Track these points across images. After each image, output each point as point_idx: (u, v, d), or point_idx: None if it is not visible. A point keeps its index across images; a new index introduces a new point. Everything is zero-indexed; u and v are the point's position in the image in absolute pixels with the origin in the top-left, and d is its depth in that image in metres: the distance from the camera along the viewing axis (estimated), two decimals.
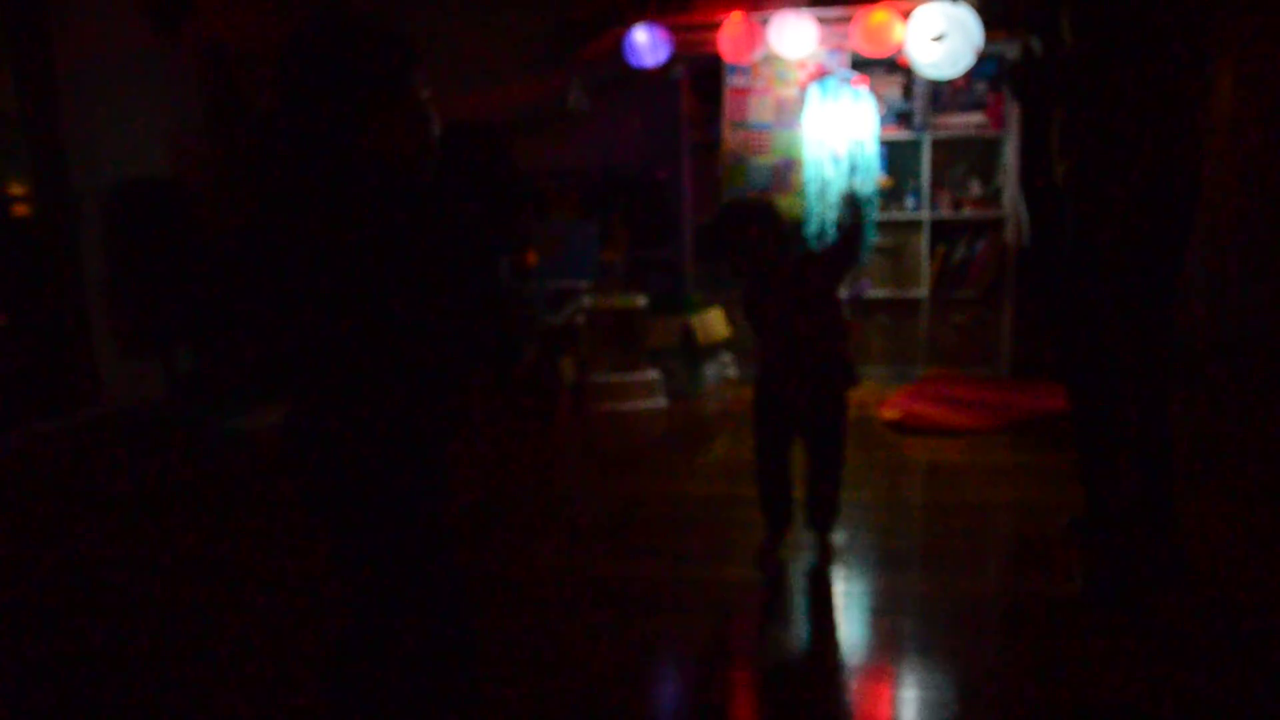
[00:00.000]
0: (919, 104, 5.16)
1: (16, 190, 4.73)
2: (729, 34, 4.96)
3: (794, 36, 4.89)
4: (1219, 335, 5.15)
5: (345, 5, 1.44)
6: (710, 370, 5.23)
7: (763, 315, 2.67)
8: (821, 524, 2.79)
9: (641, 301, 5.05)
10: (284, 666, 2.28)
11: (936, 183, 5.24)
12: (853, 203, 2.61)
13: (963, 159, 5.30)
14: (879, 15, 4.77)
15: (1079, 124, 2.52)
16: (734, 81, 5.22)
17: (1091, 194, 2.51)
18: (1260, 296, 5.11)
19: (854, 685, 2.14)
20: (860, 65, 5.05)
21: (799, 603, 2.63)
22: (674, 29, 5.10)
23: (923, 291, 5.25)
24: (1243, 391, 4.71)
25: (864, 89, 4.98)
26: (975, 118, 5.14)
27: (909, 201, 5.26)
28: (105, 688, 2.21)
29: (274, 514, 3.45)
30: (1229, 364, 5.00)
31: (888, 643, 2.35)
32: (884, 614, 2.51)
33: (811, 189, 5.06)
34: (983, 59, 4.79)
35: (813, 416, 2.66)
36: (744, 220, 2.63)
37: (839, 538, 2.96)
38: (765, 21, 4.96)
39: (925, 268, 5.24)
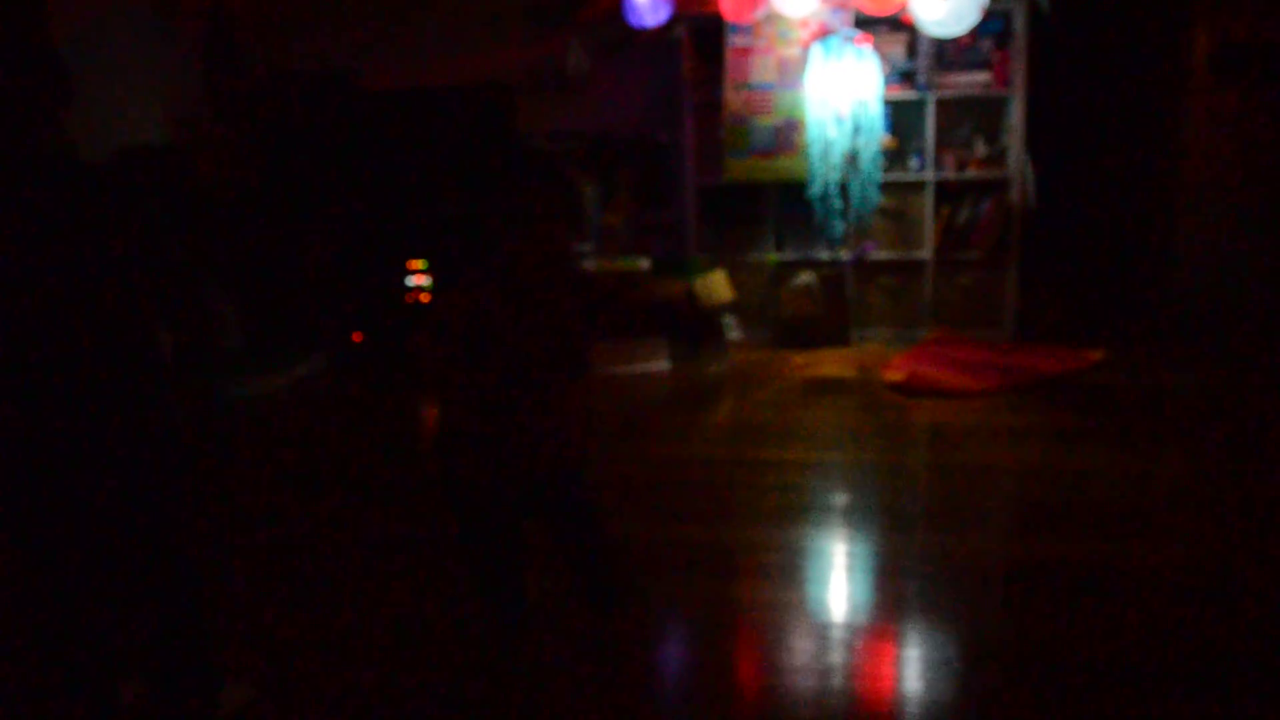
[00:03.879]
0: (923, 63, 5.09)
1: None
2: None
3: None
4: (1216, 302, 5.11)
5: None
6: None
7: (493, 332, 1.75)
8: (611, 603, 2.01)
9: (644, 264, 5.03)
10: (279, 632, 2.29)
11: (941, 143, 5.18)
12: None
13: (967, 119, 5.24)
14: None
15: None
16: (736, 41, 5.15)
17: None
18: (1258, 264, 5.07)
19: (858, 643, 2.15)
20: (863, 23, 4.98)
21: (801, 564, 2.64)
22: None
23: (927, 253, 5.22)
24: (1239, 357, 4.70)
25: (867, 48, 4.91)
26: (980, 76, 5.07)
27: (913, 162, 5.21)
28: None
29: (276, 482, 3.46)
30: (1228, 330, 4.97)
31: (891, 602, 2.36)
32: (888, 574, 2.52)
33: (814, 150, 5.01)
34: (988, 16, 4.71)
35: (540, 499, 1.90)
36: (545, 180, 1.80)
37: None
38: None
39: (929, 229, 5.20)
